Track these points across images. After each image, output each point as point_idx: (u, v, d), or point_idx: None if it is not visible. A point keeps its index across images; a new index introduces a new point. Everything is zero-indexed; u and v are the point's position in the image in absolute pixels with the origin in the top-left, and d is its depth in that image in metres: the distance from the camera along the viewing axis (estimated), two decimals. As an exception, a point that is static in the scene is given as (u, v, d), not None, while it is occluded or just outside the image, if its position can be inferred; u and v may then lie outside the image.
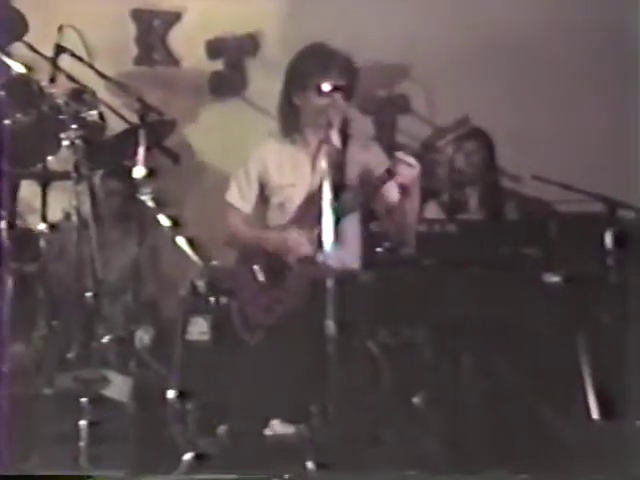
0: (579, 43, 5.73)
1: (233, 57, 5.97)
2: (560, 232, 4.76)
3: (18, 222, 5.00)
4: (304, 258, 4.24)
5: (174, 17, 5.95)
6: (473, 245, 4.65)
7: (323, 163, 3.92)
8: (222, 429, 4.27)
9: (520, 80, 5.77)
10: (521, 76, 5.77)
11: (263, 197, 4.47)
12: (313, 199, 4.08)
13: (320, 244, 3.88)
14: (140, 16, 5.95)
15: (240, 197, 4.47)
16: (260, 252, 4.35)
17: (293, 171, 4.41)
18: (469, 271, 4.62)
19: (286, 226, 4.36)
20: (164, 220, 3.95)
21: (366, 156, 4.39)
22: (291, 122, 4.42)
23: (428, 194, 4.94)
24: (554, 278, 4.67)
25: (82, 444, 3.79)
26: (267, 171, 4.44)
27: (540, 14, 5.77)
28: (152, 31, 5.96)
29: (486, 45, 5.77)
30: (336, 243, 3.85)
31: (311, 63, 4.35)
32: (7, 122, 4.58)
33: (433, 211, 5.07)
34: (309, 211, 4.18)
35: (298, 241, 4.27)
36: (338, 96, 4.26)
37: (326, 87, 4.22)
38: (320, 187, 3.91)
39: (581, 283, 4.64)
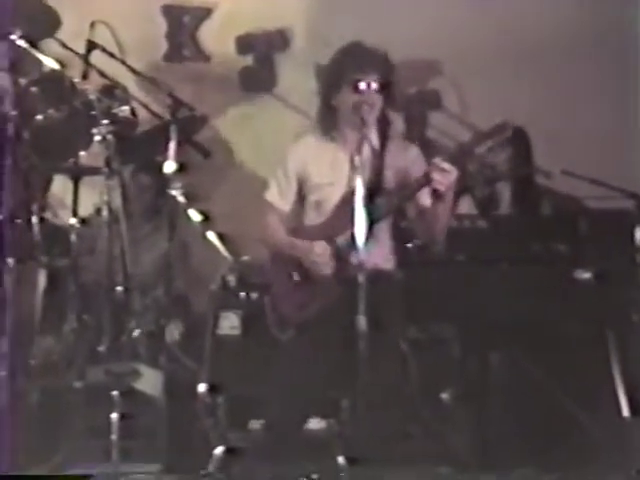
0: (607, 40, 5.70)
1: (263, 53, 5.97)
2: (591, 229, 4.74)
3: (49, 217, 5.03)
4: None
5: (205, 13, 5.96)
6: (503, 241, 4.64)
7: (358, 162, 3.90)
8: (253, 423, 4.28)
9: (550, 75, 5.74)
10: (551, 71, 5.74)
11: (301, 195, 4.43)
12: (350, 198, 4.05)
13: (353, 243, 3.87)
14: (171, 12, 5.96)
15: (279, 196, 4.42)
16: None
17: (332, 170, 4.35)
18: (499, 267, 4.61)
19: (320, 229, 4.36)
20: (195, 215, 3.94)
21: (405, 159, 4.35)
22: (329, 122, 4.38)
23: (462, 190, 4.93)
24: (584, 275, 4.65)
25: (114, 437, 3.80)
26: (306, 169, 4.40)
27: (569, 11, 5.75)
28: (182, 27, 5.98)
29: (517, 40, 5.74)
30: (369, 242, 3.84)
31: (346, 61, 4.33)
32: (39, 117, 4.61)
33: (466, 206, 5.05)
34: (345, 210, 4.16)
35: (323, 255, 4.27)
36: (372, 93, 4.23)
37: (360, 84, 4.21)
38: (359, 188, 3.89)
39: (611, 280, 4.61)
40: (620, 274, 4.64)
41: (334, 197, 4.33)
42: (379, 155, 4.25)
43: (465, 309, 4.56)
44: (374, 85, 4.22)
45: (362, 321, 3.71)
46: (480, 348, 4.59)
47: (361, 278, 3.73)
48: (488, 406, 4.54)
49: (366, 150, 4.16)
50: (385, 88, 4.26)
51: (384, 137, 4.31)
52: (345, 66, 4.32)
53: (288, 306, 4.25)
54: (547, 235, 4.72)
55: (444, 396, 4.58)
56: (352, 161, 4.17)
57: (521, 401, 4.52)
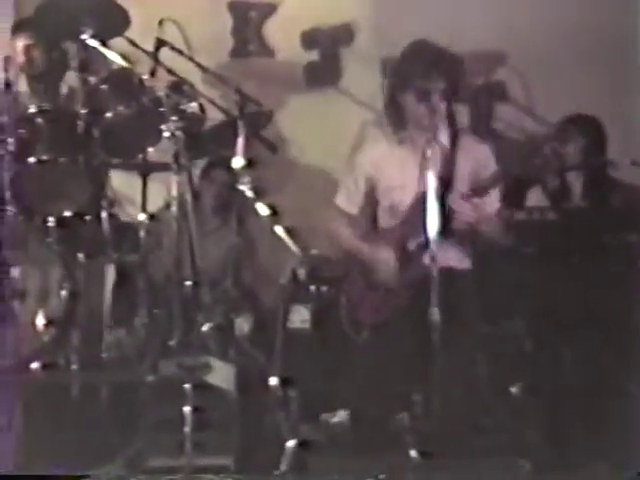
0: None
1: (328, 47, 5.96)
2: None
3: (118, 212, 5.04)
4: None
5: (270, 9, 5.96)
6: (573, 233, 4.56)
7: (431, 164, 3.86)
8: (325, 416, 4.27)
9: (615, 65, 5.64)
10: (616, 61, 5.64)
11: (373, 200, 4.44)
12: (423, 200, 4.02)
13: (427, 245, 3.85)
14: (237, 8, 5.99)
15: (347, 200, 4.46)
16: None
17: (402, 173, 4.34)
18: (569, 259, 4.53)
19: (393, 232, 4.34)
20: (263, 209, 3.92)
21: (475, 158, 4.32)
22: (397, 120, 4.37)
23: (531, 181, 4.89)
24: (655, 265, 4.57)
25: (187, 430, 3.80)
26: (377, 174, 4.40)
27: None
28: (248, 23, 5.99)
29: (582, 30, 5.66)
30: (443, 242, 3.81)
31: (412, 65, 4.26)
32: (109, 115, 4.62)
33: (535, 198, 4.98)
34: (418, 212, 4.10)
35: (386, 261, 4.27)
36: (438, 101, 4.13)
37: (425, 93, 4.15)
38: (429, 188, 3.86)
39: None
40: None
41: (406, 200, 4.31)
42: (449, 155, 4.20)
43: (535, 302, 4.49)
44: (439, 92, 4.12)
45: (436, 312, 3.67)
46: (551, 341, 4.51)
47: (435, 273, 3.68)
48: (559, 400, 4.46)
49: (436, 151, 4.11)
50: (451, 89, 4.18)
51: (453, 135, 4.24)
52: (411, 70, 4.25)
53: (363, 310, 4.27)
54: (617, 226, 4.63)
55: (513, 390, 4.51)
56: (422, 163, 4.14)
57: (594, 394, 4.43)
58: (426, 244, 3.91)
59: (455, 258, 4.24)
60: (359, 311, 4.27)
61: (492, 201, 4.31)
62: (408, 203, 4.30)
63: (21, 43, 5.18)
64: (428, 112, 4.16)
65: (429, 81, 4.16)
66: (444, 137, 4.18)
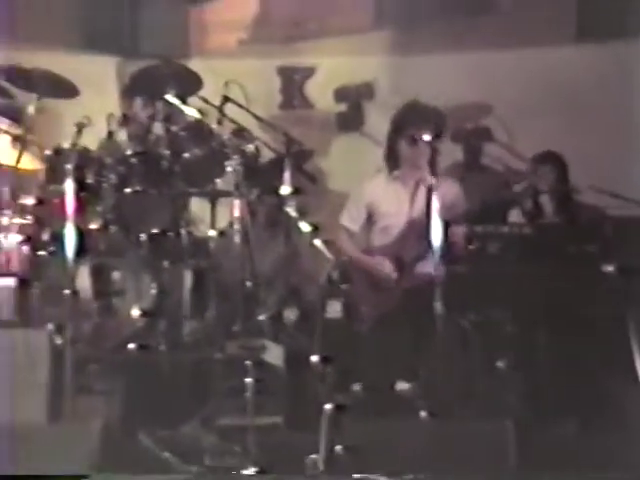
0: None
1: (354, 101, 6.02)
2: (615, 232, 4.67)
3: (194, 230, 5.11)
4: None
5: (310, 72, 6.03)
6: (545, 243, 4.59)
7: (419, 198, 3.95)
8: (355, 386, 4.31)
9: (576, 113, 5.64)
10: (577, 110, 5.65)
11: (371, 221, 4.60)
12: (412, 226, 4.25)
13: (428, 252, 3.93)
14: (284, 72, 6.05)
15: (350, 219, 4.62)
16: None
17: (396, 203, 4.52)
18: (542, 264, 4.55)
19: (389, 247, 4.47)
20: (305, 226, 3.98)
21: (451, 193, 4.41)
22: (392, 162, 4.56)
23: (512, 203, 4.95)
24: (609, 268, 4.56)
25: (248, 396, 3.84)
26: (374, 201, 4.58)
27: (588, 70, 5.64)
28: (293, 83, 6.06)
29: (548, 87, 5.67)
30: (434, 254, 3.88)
31: (405, 118, 4.45)
32: (186, 155, 4.71)
33: (515, 216, 5.02)
34: (409, 234, 4.34)
35: (389, 269, 4.41)
36: (425, 145, 4.16)
37: (414, 138, 4.26)
38: (419, 217, 4.06)
39: (632, 271, 4.51)
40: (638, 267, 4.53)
41: (399, 224, 4.46)
42: (432, 191, 4.26)
43: (516, 296, 4.51)
44: (426, 138, 4.15)
45: (438, 306, 3.72)
46: (528, 327, 4.53)
47: (438, 274, 3.73)
48: (534, 371, 4.48)
49: (422, 188, 4.24)
50: (436, 138, 4.21)
51: (435, 175, 4.29)
52: (404, 122, 4.44)
53: (367, 305, 4.39)
54: (580, 238, 4.66)
55: (499, 364, 4.53)
56: (412, 198, 4.36)
57: (560, 367, 4.45)
58: (418, 257, 4.10)
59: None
60: (364, 307, 4.38)
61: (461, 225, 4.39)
62: (400, 226, 4.45)
63: (128, 103, 5.27)
64: (417, 156, 4.26)
65: (418, 129, 4.25)
66: (428, 175, 4.24)
